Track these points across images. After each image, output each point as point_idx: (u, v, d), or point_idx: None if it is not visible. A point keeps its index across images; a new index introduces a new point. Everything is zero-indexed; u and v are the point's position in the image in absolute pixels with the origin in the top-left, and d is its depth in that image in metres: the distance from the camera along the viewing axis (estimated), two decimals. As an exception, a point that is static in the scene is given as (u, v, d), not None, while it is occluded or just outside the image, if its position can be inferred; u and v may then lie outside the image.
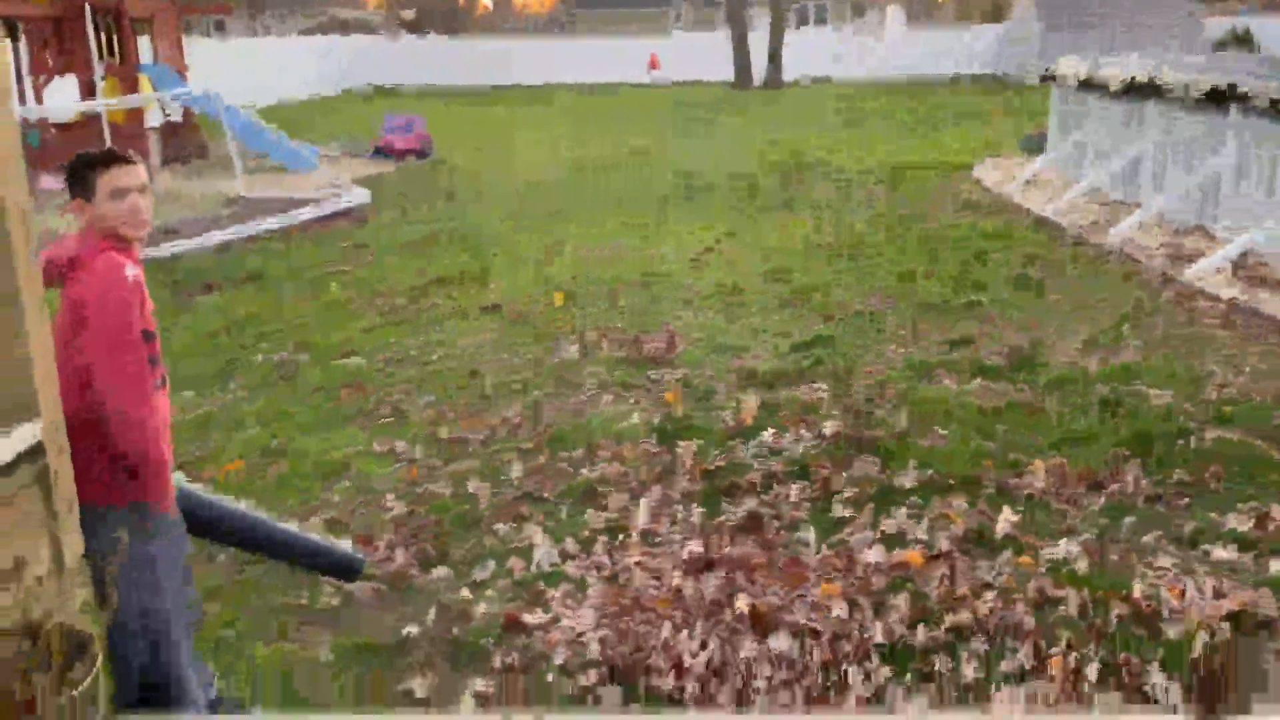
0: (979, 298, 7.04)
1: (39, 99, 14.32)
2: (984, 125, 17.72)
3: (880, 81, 28.40)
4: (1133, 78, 9.99)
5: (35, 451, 2.26)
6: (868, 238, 9.08)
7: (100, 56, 14.18)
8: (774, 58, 28.17)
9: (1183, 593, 3.34)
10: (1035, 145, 13.27)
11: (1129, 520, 3.88)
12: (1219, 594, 3.33)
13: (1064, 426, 4.77)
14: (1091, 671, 2.92)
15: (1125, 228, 8.78)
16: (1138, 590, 3.35)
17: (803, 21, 37.42)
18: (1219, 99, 8.49)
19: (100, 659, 2.16)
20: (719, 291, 7.41)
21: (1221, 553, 3.62)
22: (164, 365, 2.61)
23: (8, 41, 2.06)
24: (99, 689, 2.23)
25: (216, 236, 9.73)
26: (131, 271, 2.46)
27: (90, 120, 13.13)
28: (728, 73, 28.46)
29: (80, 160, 2.52)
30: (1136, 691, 2.87)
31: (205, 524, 2.76)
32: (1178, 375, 5.40)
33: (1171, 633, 3.12)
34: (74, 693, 2.01)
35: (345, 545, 3.18)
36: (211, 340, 6.61)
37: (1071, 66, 11.87)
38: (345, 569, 3.00)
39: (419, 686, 3.00)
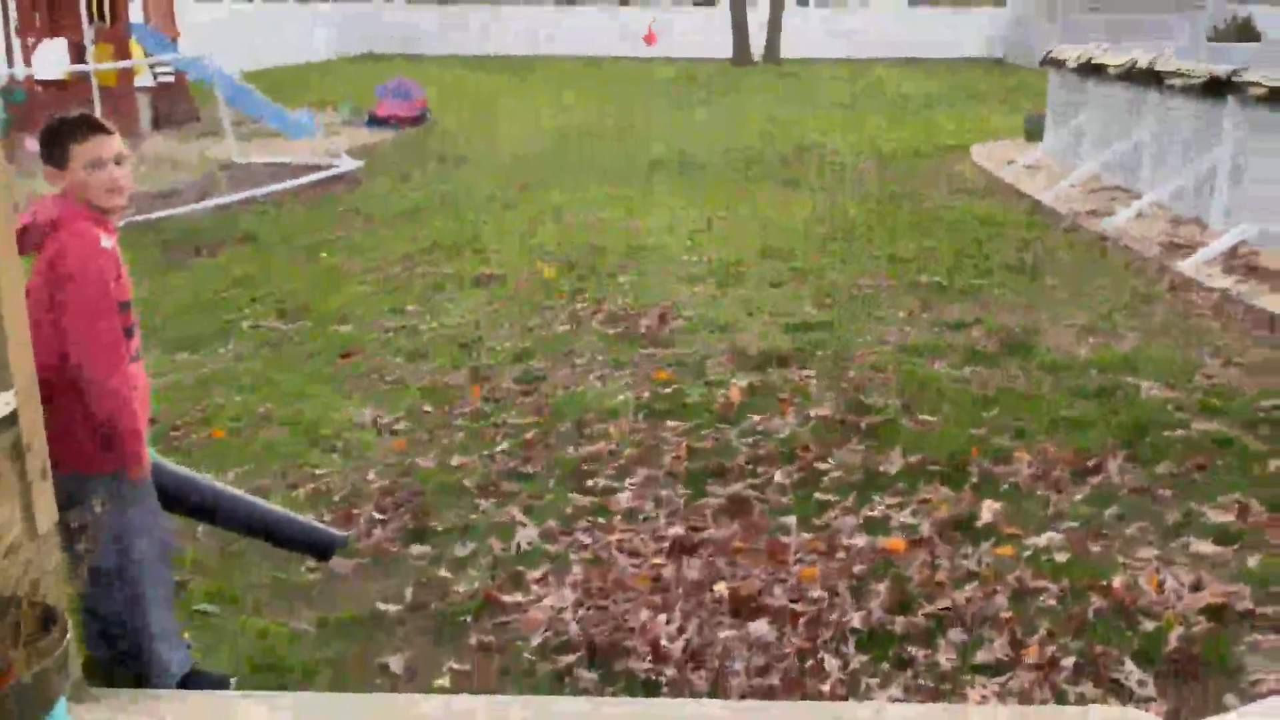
0: (973, 282, 7.02)
1: (27, 61, 14.17)
2: (983, 108, 17.65)
3: (879, 61, 28.27)
4: (1132, 63, 9.94)
5: (9, 420, 2.23)
6: (862, 219, 9.04)
7: (91, 19, 14.00)
8: (772, 35, 28.00)
9: (1161, 585, 3.34)
10: (1037, 128, 13.22)
11: (1111, 510, 3.89)
12: (1197, 587, 3.33)
13: (1053, 414, 4.76)
14: (1067, 663, 2.93)
15: (1122, 217, 8.76)
16: (1117, 581, 3.36)
17: (804, 0, 37.14)
18: (1217, 88, 8.45)
19: (71, 629, 2.14)
20: (713, 269, 7.38)
21: (1202, 545, 3.62)
22: (138, 336, 2.58)
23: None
24: (69, 659, 2.21)
25: (210, 202, 9.66)
26: (106, 242, 2.43)
27: (80, 80, 12.98)
28: (726, 49, 28.29)
29: (54, 128, 2.48)
30: (1112, 684, 2.87)
31: (176, 498, 2.74)
32: (1168, 365, 5.39)
33: (1149, 625, 3.13)
34: (44, 663, 1.99)
35: (319, 523, 3.16)
36: (205, 304, 6.57)
37: (1071, 51, 11.81)
38: (320, 547, 2.98)
39: (396, 663, 3.00)
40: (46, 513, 2.32)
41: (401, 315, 6.37)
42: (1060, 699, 2.81)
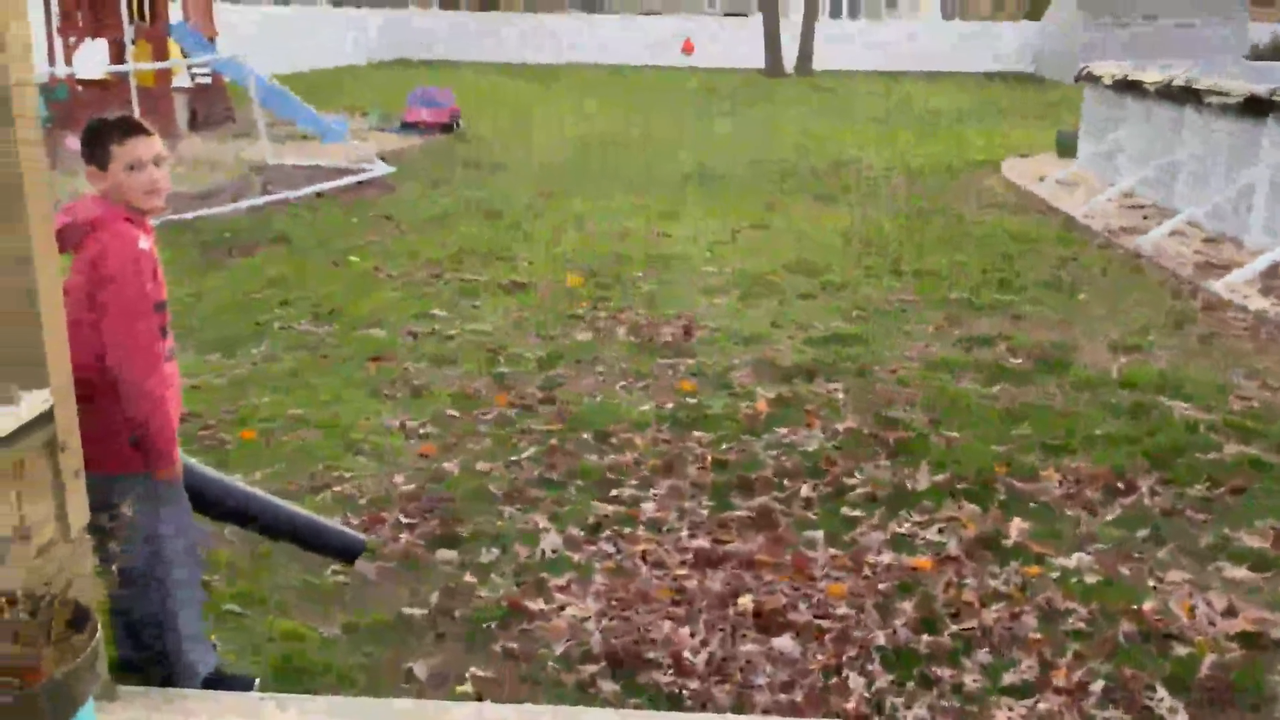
0: (1005, 298, 6.97)
1: (69, 60, 14.38)
2: (1016, 122, 17.54)
3: (912, 74, 28.17)
4: (1169, 81, 9.84)
5: (44, 418, 2.25)
6: (894, 234, 9.01)
7: (131, 19, 14.20)
8: (805, 46, 27.98)
9: (1194, 609, 3.29)
10: (1069, 144, 13.13)
11: (1143, 532, 3.83)
12: (1231, 612, 3.28)
13: (1084, 433, 4.71)
14: (1096, 687, 2.89)
15: (1157, 234, 8.67)
16: (1148, 605, 3.31)
17: (836, 12, 37.12)
18: (1257, 107, 8.35)
19: (100, 628, 2.16)
20: (743, 280, 7.37)
21: (1236, 571, 3.56)
22: (172, 336, 2.60)
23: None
24: (99, 658, 2.23)
25: (244, 203, 9.76)
26: (144, 242, 2.46)
27: (119, 79, 13.15)
28: (759, 59, 28.29)
29: (95, 128, 2.50)
30: (1142, 710, 2.83)
31: (206, 500, 2.76)
32: (1203, 386, 5.32)
33: (1181, 650, 3.08)
34: (74, 661, 2.01)
35: (346, 527, 3.16)
36: (238, 305, 6.62)
37: (1106, 67, 11.72)
38: (345, 550, 2.99)
39: (420, 667, 3.00)
40: (79, 512, 2.34)
41: (429, 320, 6.39)
42: (1089, 724, 2.78)
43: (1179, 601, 3.35)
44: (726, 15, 36.93)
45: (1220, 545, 3.74)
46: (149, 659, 2.72)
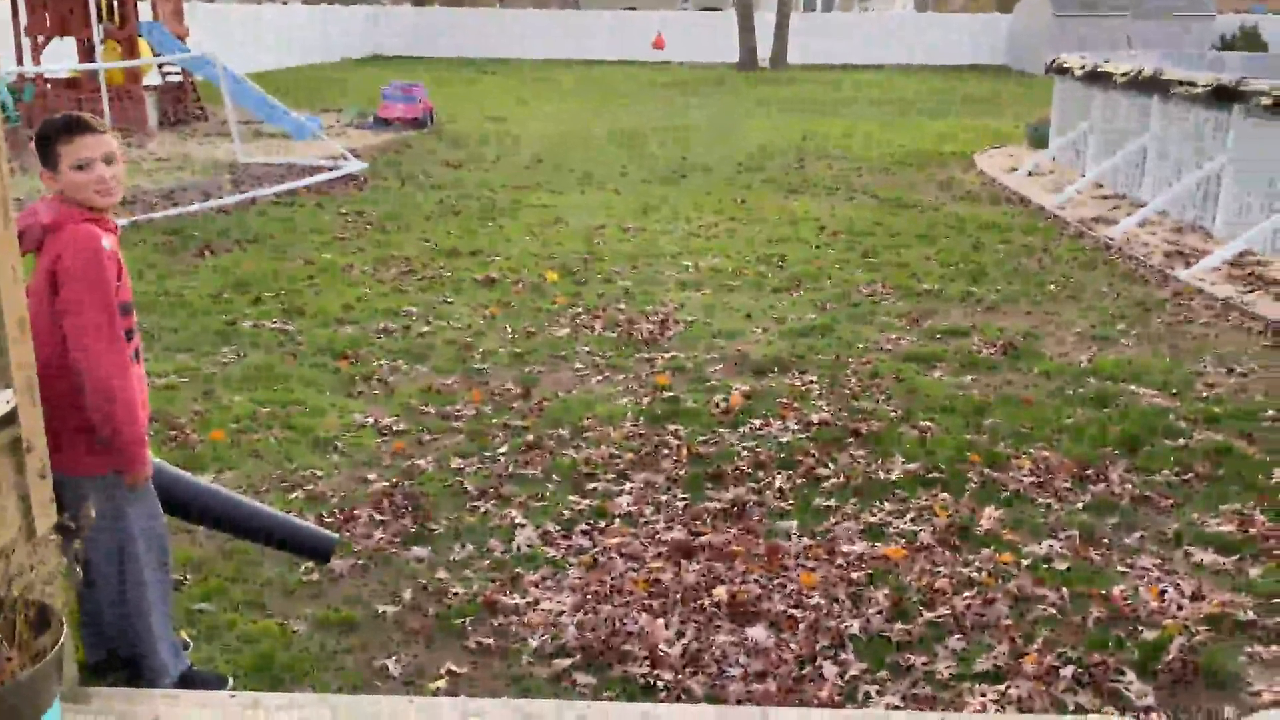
0: (975, 288, 7.02)
1: (36, 59, 14.21)
2: (988, 114, 17.65)
3: (886, 66, 28.29)
4: (1138, 71, 9.93)
5: (8, 420, 2.23)
6: (865, 226, 9.05)
7: (100, 18, 14.04)
8: (779, 40, 28.04)
9: (1162, 594, 3.33)
10: (1041, 135, 13.23)
11: (1112, 519, 3.88)
12: (1198, 596, 3.32)
13: (1054, 422, 4.75)
14: (1067, 672, 2.92)
15: (1126, 224, 8.75)
16: (1117, 591, 3.35)
17: (810, 5, 37.19)
18: (1223, 97, 8.44)
19: (66, 630, 2.14)
20: (715, 274, 7.38)
21: (1203, 555, 3.61)
22: (139, 338, 2.57)
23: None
24: (64, 660, 2.21)
25: (215, 201, 9.68)
26: (107, 242, 2.43)
27: (88, 78, 13.02)
28: (733, 53, 28.34)
29: (43, 129, 2.47)
30: (1111, 693, 2.86)
31: (176, 501, 2.73)
32: (1170, 373, 5.38)
33: (1149, 634, 3.12)
34: (39, 664, 1.99)
35: (317, 526, 3.14)
36: (207, 305, 6.57)
37: (1077, 59, 11.80)
38: (317, 550, 2.97)
39: (393, 664, 2.99)
40: (45, 514, 2.32)
41: (403, 317, 6.37)
42: (1059, 708, 2.80)
43: (1148, 586, 3.39)
44: (702, 10, 36.94)
45: (1188, 530, 3.79)
46: (119, 660, 2.70)
